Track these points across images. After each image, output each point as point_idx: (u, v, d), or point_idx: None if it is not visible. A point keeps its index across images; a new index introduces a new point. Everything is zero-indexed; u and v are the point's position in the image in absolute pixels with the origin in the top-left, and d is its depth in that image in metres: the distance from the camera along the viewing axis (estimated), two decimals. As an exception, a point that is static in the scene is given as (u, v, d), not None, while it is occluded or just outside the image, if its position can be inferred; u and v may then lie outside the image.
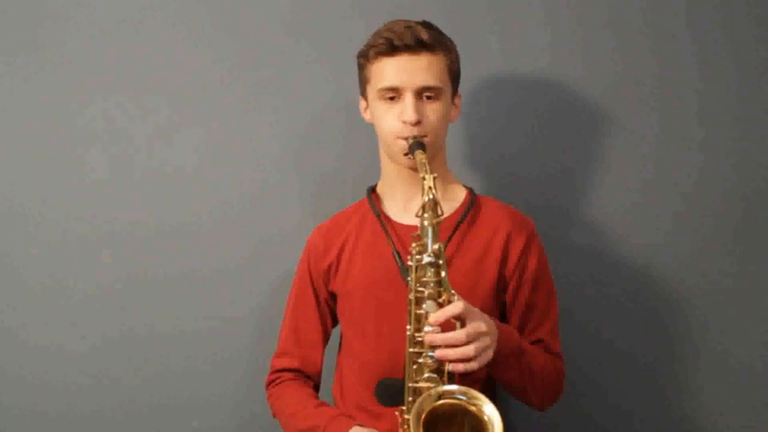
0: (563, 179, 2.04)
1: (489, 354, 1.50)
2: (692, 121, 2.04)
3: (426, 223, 1.54)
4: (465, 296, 1.57)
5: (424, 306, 1.52)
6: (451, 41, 1.70)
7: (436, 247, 1.52)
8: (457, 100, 1.74)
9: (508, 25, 2.03)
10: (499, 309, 1.72)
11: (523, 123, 2.04)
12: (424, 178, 1.54)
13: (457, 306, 1.48)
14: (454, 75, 1.70)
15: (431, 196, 1.53)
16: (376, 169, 1.79)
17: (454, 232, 1.69)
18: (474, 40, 1.97)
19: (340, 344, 1.80)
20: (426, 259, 1.52)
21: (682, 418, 2.05)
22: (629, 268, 2.04)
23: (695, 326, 2.04)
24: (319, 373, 1.79)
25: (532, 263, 1.71)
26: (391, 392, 1.62)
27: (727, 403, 2.04)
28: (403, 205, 1.73)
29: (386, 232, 1.71)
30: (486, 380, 1.66)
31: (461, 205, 1.74)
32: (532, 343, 1.70)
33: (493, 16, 2.03)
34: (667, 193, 2.04)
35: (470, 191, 1.77)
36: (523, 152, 2.04)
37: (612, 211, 2.04)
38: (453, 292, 1.51)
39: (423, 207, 1.54)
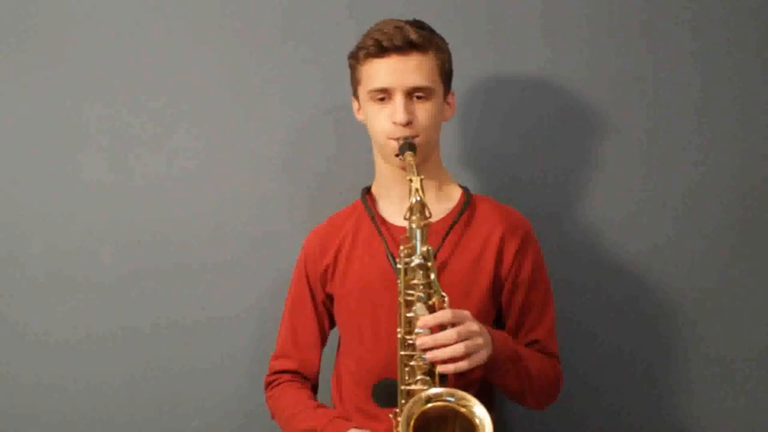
0: (561, 179, 2.03)
1: (482, 354, 1.48)
2: (692, 123, 2.02)
3: (414, 225, 1.53)
4: (461, 297, 1.56)
5: (414, 308, 1.52)
6: (442, 40, 1.68)
7: (424, 249, 1.52)
8: (450, 99, 1.73)
9: (505, 24, 2.02)
10: (495, 310, 1.71)
11: (520, 123, 2.02)
12: (411, 180, 1.53)
13: (445, 314, 1.47)
14: (445, 74, 1.68)
15: (418, 198, 1.52)
16: (370, 170, 1.78)
17: (448, 233, 1.68)
18: (470, 40, 1.97)
19: (339, 345, 1.80)
20: (415, 261, 1.52)
21: (679, 421, 2.03)
22: (627, 270, 2.02)
23: (693, 328, 2.02)
24: (317, 375, 1.79)
25: (528, 264, 1.70)
26: (387, 393, 1.61)
27: (726, 407, 2.02)
28: (398, 206, 1.70)
29: (380, 233, 1.70)
30: (482, 381, 1.65)
31: (456, 206, 1.73)
32: (529, 344, 1.69)
33: (490, 16, 2.01)
34: (665, 195, 2.02)
35: (465, 191, 1.76)
36: (520, 152, 2.03)
37: (609, 212, 2.02)
38: (443, 294, 1.50)
39: (410, 209, 1.53)
